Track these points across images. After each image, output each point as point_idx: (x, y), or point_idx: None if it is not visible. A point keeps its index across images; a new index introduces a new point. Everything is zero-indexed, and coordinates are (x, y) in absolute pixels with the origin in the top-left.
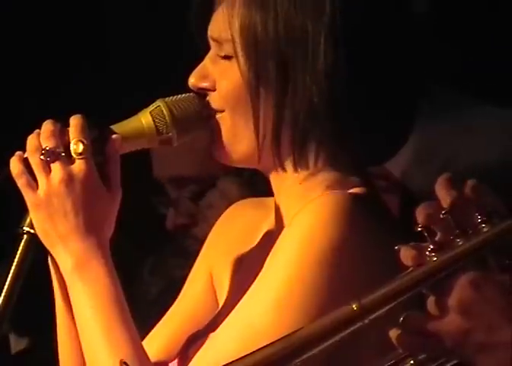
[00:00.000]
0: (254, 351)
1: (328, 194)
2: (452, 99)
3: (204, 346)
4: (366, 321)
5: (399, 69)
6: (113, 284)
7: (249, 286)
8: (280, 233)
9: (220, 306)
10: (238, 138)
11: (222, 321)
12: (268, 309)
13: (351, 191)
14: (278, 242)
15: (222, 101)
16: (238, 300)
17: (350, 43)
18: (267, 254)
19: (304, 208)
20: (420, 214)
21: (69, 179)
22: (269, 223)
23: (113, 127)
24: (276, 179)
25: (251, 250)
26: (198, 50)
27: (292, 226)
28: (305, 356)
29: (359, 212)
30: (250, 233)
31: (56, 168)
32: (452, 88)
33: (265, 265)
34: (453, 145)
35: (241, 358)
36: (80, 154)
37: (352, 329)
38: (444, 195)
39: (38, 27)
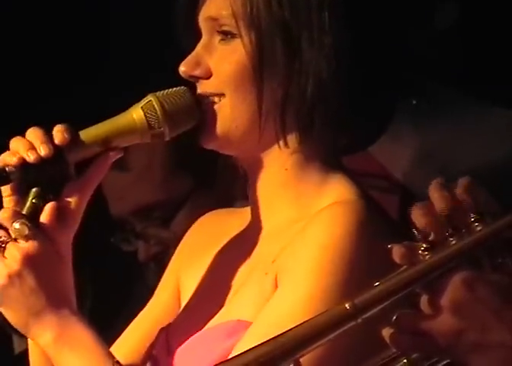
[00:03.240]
0: (246, 351)
1: (340, 206)
2: (453, 99)
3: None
4: (360, 320)
5: (396, 47)
6: (96, 339)
7: (212, 287)
8: (255, 230)
9: (184, 304)
10: (237, 122)
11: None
12: (295, 314)
13: (353, 193)
14: (293, 254)
15: (221, 84)
16: (201, 300)
17: (354, 16)
18: (246, 253)
19: (315, 220)
20: (416, 216)
21: (27, 258)
22: (241, 226)
23: (105, 123)
24: (262, 169)
25: (217, 253)
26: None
27: (307, 239)
28: (298, 355)
29: (371, 222)
30: (218, 239)
31: (12, 249)
32: (455, 88)
33: (284, 278)
34: (453, 145)
35: (233, 358)
36: (26, 236)
37: (345, 328)
38: (438, 198)
39: (34, 28)
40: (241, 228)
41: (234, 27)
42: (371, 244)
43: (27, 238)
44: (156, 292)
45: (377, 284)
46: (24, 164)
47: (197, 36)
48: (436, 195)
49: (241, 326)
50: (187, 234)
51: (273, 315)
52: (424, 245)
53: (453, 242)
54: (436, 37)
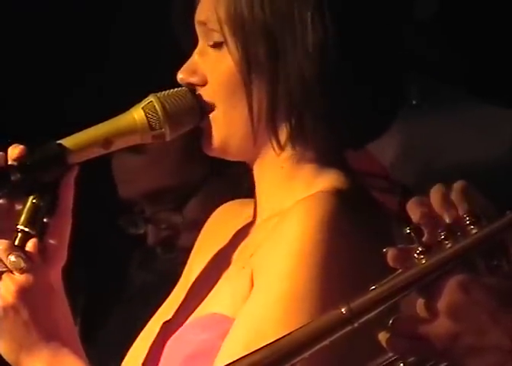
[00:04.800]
0: (241, 357)
1: (312, 198)
2: (446, 95)
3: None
4: (356, 324)
5: (386, 44)
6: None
7: (203, 280)
8: (251, 225)
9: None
10: (233, 130)
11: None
12: (275, 316)
13: (336, 186)
14: (267, 251)
15: (214, 94)
16: (200, 290)
17: (338, 15)
18: (235, 246)
19: (288, 213)
20: (411, 207)
21: (22, 291)
22: (247, 219)
23: (106, 123)
24: (260, 168)
25: (224, 246)
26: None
27: (281, 234)
28: (294, 361)
29: (346, 214)
30: (225, 231)
31: (6, 281)
32: (452, 85)
33: (260, 274)
34: (441, 139)
35: (227, 365)
36: (22, 269)
37: (341, 332)
38: (435, 199)
39: (34, 29)
40: (246, 221)
41: (220, 32)
42: (348, 234)
43: (22, 271)
44: (177, 285)
45: (373, 287)
46: (24, 165)
47: (196, 37)
48: (438, 205)
49: (215, 320)
50: (204, 226)
51: (251, 319)
52: (420, 249)
53: (449, 245)
54: (417, 29)
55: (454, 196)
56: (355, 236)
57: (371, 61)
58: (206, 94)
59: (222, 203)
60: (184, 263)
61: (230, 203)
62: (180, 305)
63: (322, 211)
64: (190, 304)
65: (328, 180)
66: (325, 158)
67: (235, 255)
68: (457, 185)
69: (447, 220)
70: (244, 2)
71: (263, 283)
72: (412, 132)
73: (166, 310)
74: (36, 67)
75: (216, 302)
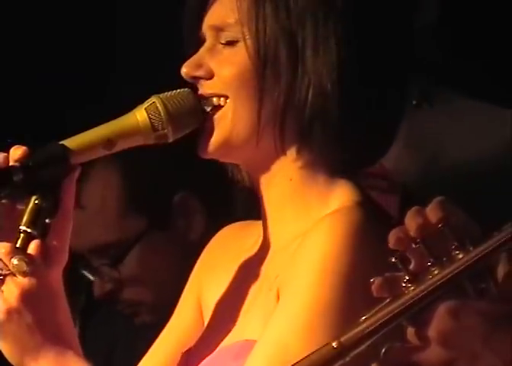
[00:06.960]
0: None
1: (338, 214)
2: (445, 95)
3: None
4: (348, 358)
5: (400, 52)
6: None
7: (226, 307)
8: (265, 246)
9: (206, 324)
10: (237, 128)
11: (211, 339)
12: (298, 329)
13: (354, 199)
14: (292, 269)
15: (224, 86)
16: (225, 318)
17: (360, 26)
18: (256, 270)
19: (312, 231)
20: (392, 238)
21: (25, 294)
22: (257, 241)
23: (109, 124)
24: (267, 182)
25: (233, 271)
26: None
27: (306, 251)
28: None
29: (370, 227)
30: (235, 255)
31: (10, 284)
32: (451, 85)
33: (284, 293)
34: (443, 136)
35: None
36: (24, 272)
37: None
38: (411, 224)
39: (37, 31)
40: (256, 243)
41: (238, 33)
42: (371, 252)
43: (25, 274)
44: (176, 311)
45: (363, 318)
46: (26, 165)
47: (201, 40)
48: (410, 222)
49: (248, 346)
50: (206, 249)
51: (275, 332)
52: (407, 277)
53: (436, 271)
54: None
55: (430, 210)
56: (378, 249)
57: (386, 70)
58: (212, 87)
59: (162, 257)
60: (134, 315)
61: (231, 226)
62: (204, 334)
63: (350, 226)
64: (213, 333)
65: (344, 194)
66: (333, 167)
67: (259, 281)
68: (435, 201)
69: (422, 242)
70: (268, 5)
71: (286, 298)
72: (413, 132)
73: (177, 338)
74: (38, 67)
75: (246, 328)
